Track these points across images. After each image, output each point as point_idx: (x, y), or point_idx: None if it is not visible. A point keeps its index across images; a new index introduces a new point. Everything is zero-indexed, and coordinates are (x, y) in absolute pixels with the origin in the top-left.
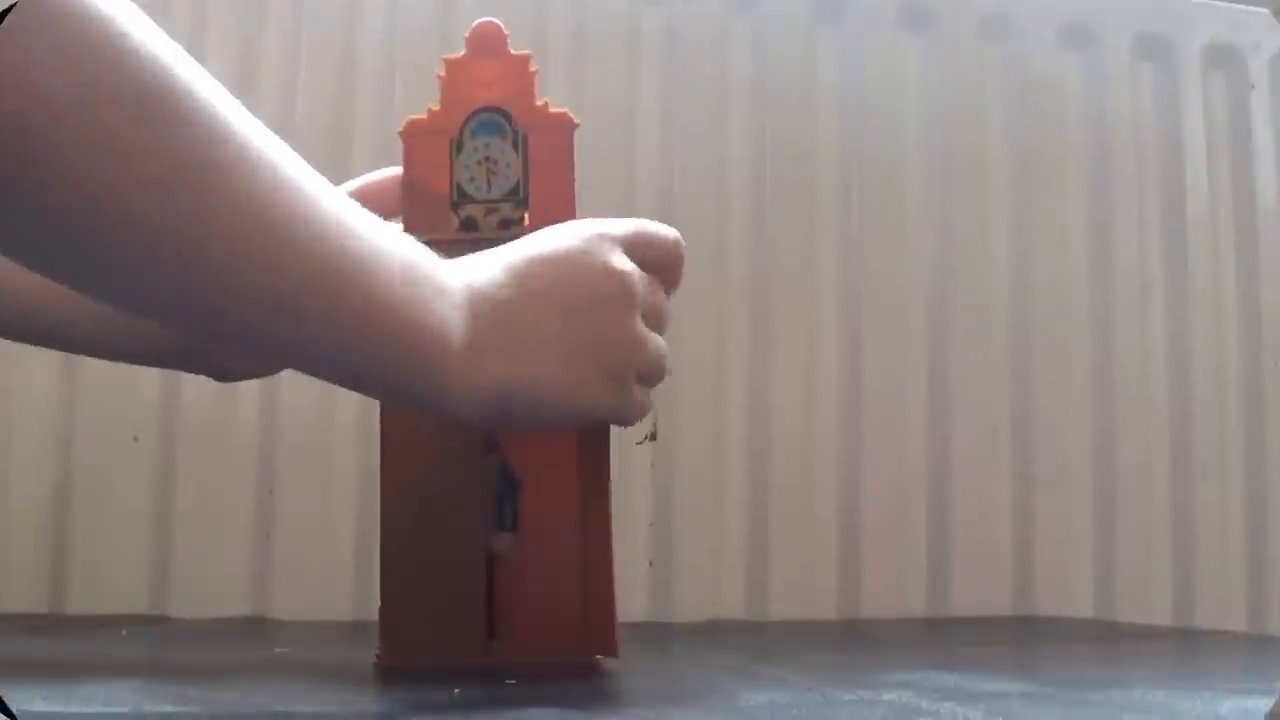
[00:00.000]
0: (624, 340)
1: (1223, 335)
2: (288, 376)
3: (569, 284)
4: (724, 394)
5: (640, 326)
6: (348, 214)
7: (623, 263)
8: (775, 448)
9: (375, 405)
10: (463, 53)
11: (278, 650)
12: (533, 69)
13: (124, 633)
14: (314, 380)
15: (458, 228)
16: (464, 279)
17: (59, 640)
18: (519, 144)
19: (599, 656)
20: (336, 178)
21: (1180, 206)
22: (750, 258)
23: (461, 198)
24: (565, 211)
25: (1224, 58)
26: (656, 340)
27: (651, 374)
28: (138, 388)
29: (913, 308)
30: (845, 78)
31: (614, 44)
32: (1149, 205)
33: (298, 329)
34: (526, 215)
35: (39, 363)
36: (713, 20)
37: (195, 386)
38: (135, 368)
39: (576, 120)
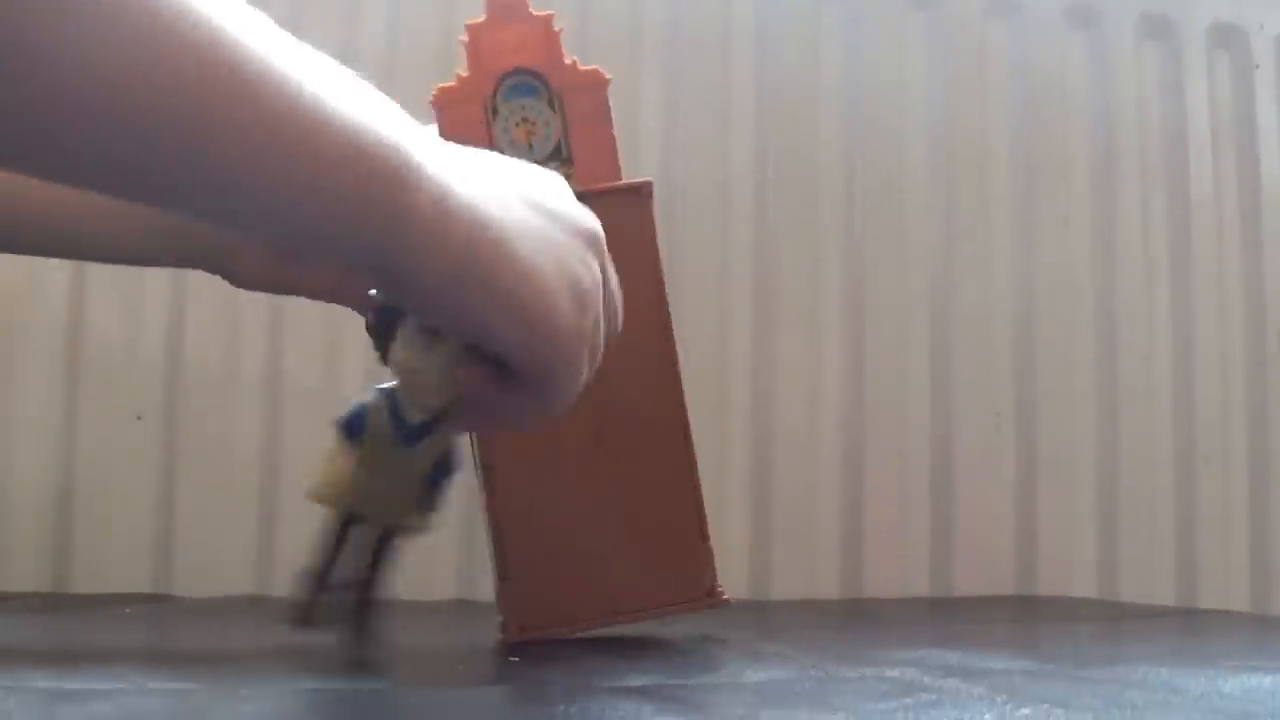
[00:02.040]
0: (592, 272)
1: (1226, 317)
2: (292, 356)
3: (541, 200)
4: (728, 376)
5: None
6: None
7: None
8: (779, 428)
9: None
10: (483, 17)
11: (280, 629)
12: (557, 28)
13: (127, 611)
14: (319, 359)
15: None
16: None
17: (62, 619)
18: (555, 104)
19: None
20: None
21: (1184, 186)
22: (754, 242)
23: None
24: (610, 168)
25: (1228, 37)
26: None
27: (601, 344)
28: (141, 367)
29: (916, 290)
30: (849, 58)
31: (617, 30)
32: (1153, 185)
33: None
34: (573, 174)
35: (43, 343)
36: (715, 4)
37: (199, 367)
38: (137, 348)
39: (608, 75)
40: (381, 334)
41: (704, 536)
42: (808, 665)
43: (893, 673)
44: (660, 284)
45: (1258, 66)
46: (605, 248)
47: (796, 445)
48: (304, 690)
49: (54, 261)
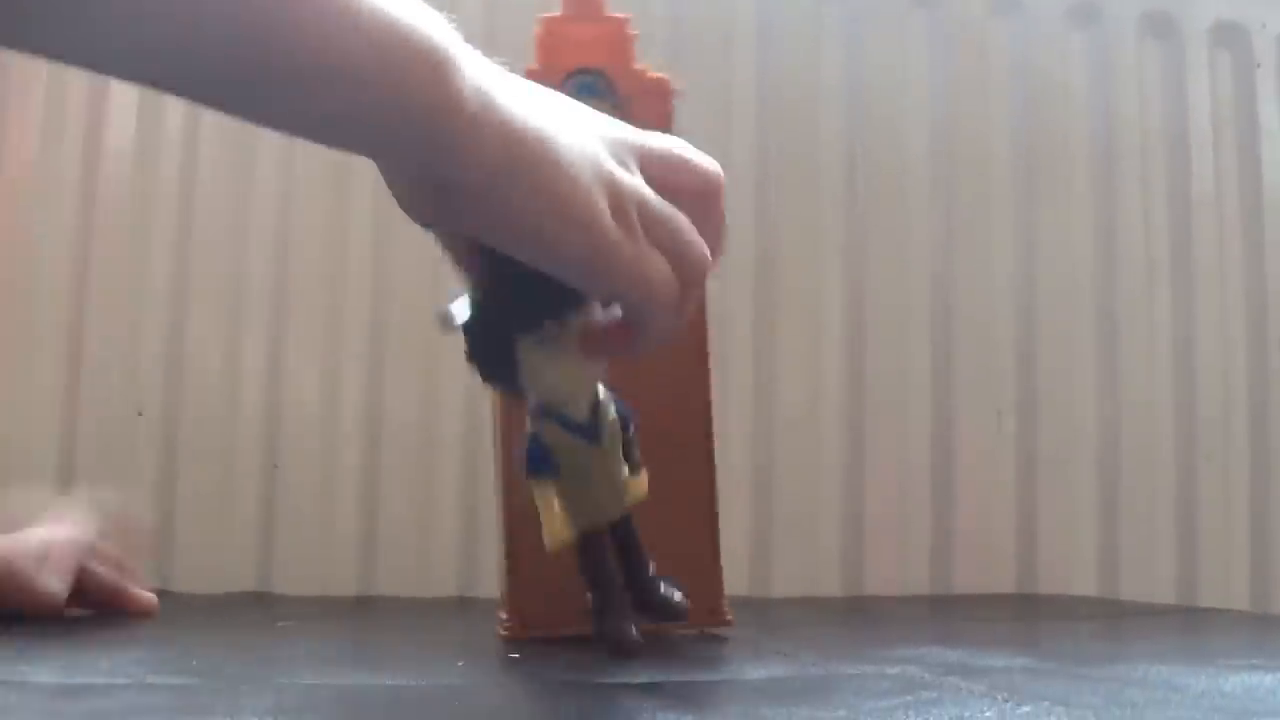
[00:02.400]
0: (630, 172)
1: (1227, 315)
2: (292, 352)
3: (569, 108)
4: (729, 373)
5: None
6: None
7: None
8: (780, 426)
9: (380, 385)
10: (559, 11)
11: (280, 625)
12: (631, 32)
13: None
14: (319, 356)
15: None
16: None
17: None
18: (620, 107)
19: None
20: (339, 171)
21: (1185, 185)
22: (755, 240)
23: None
24: None
25: (1229, 36)
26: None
27: (670, 245)
28: (142, 363)
29: (917, 288)
30: (851, 56)
31: None
32: (1154, 183)
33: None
34: None
35: (45, 338)
36: (717, 2)
37: (200, 362)
38: (138, 344)
39: (676, 86)
40: (507, 378)
41: (715, 557)
42: (809, 662)
43: (894, 670)
44: (702, 308)
45: (1259, 65)
46: (647, 155)
47: (797, 443)
48: (304, 686)
49: (56, 257)
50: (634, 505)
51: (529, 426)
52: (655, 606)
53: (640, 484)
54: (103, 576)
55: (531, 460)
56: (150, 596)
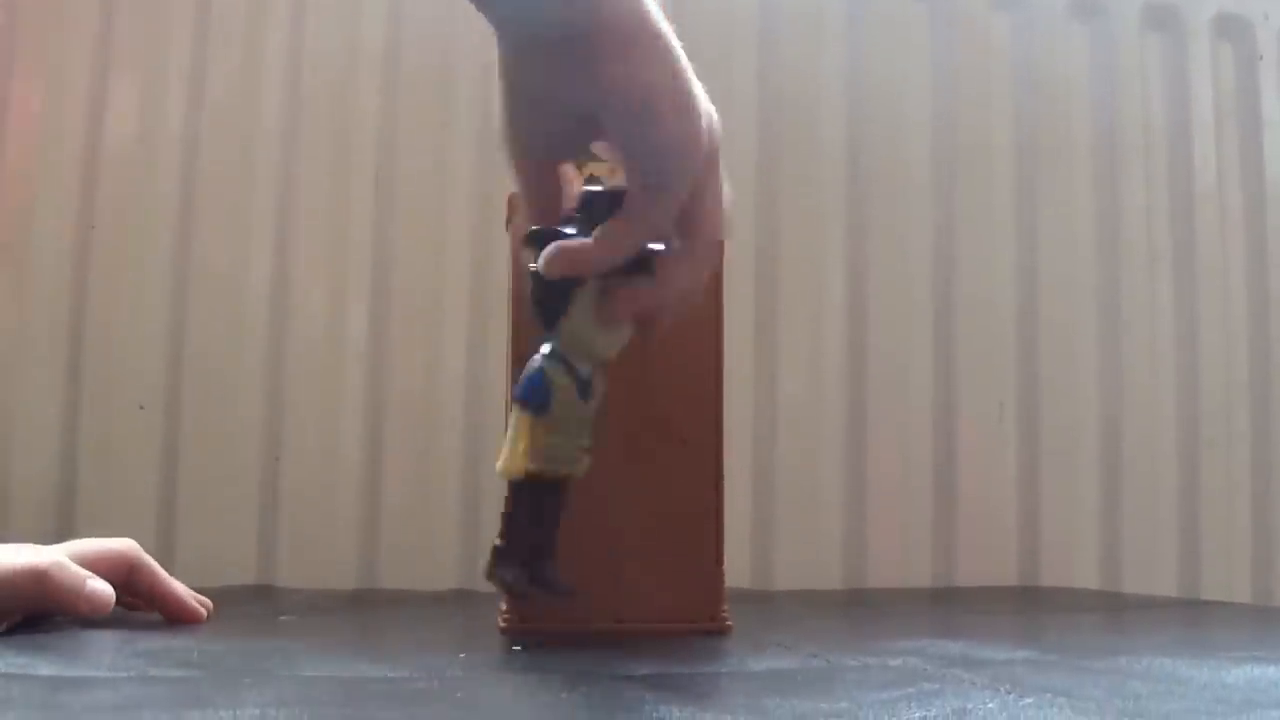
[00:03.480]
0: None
1: (1229, 307)
2: (293, 346)
3: None
4: (730, 367)
5: None
6: None
7: None
8: (782, 419)
9: (382, 380)
10: None
11: (281, 618)
12: None
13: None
14: (321, 349)
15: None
16: None
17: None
18: None
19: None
20: (338, 169)
21: (1188, 177)
22: (757, 232)
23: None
24: None
25: (1232, 29)
26: None
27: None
28: (144, 356)
29: (919, 280)
30: (852, 49)
31: None
32: (1156, 176)
33: None
34: None
35: (46, 332)
36: None
37: (200, 355)
38: (140, 337)
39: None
40: (552, 311)
41: (718, 561)
42: (810, 654)
43: (895, 662)
44: (718, 315)
45: (1261, 57)
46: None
47: (799, 436)
48: (305, 678)
49: (57, 252)
50: (576, 479)
51: (536, 364)
52: (540, 580)
53: (588, 461)
54: (151, 573)
55: (531, 391)
56: (205, 602)
